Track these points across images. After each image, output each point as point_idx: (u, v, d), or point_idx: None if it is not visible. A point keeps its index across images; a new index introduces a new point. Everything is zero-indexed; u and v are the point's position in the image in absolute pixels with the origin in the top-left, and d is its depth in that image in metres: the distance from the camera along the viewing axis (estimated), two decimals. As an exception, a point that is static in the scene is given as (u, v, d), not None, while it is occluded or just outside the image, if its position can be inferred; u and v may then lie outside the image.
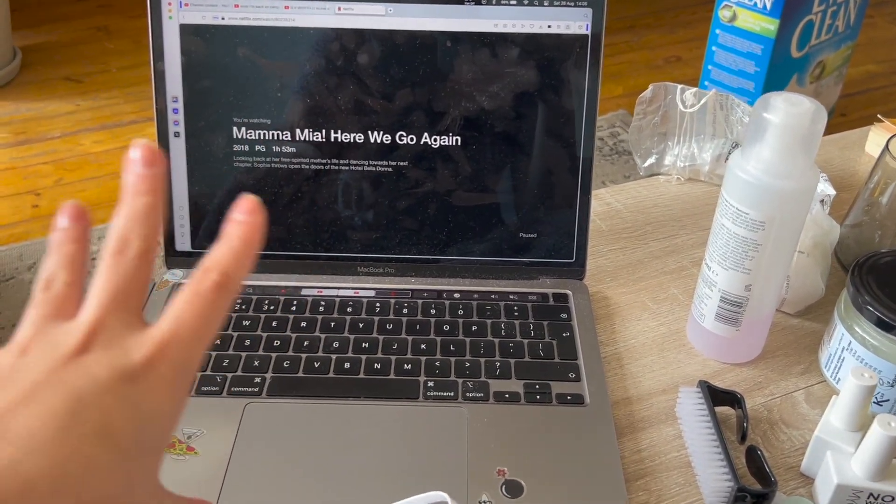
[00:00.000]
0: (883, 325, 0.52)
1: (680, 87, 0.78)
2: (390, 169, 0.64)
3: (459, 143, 0.64)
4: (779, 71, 1.73)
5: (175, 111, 0.64)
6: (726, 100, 0.77)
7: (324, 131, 0.63)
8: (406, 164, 0.64)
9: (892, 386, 0.53)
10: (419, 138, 0.63)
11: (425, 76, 0.62)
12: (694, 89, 0.77)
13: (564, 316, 0.63)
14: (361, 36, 0.62)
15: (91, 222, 0.32)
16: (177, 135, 0.64)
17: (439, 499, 0.46)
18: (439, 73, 0.62)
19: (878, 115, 0.87)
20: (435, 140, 0.64)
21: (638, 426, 0.56)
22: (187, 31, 0.62)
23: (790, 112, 0.50)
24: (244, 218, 0.31)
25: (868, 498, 0.47)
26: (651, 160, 0.82)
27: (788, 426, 0.56)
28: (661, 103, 0.79)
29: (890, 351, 0.52)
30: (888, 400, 0.54)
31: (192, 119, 0.64)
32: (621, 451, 0.53)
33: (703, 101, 0.76)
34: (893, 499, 0.47)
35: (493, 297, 0.64)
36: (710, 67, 1.81)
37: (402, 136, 0.63)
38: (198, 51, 0.62)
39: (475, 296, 0.64)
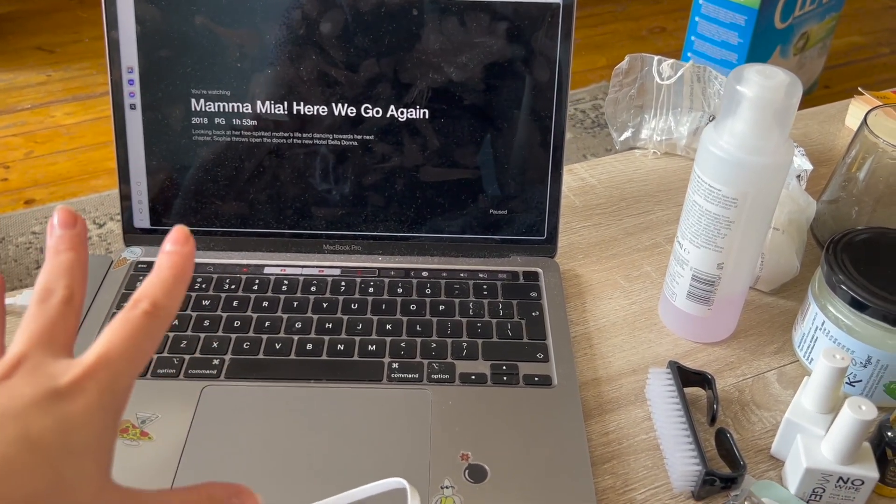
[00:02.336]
0: (856, 305, 0.51)
1: (657, 58, 0.76)
2: (356, 143, 0.62)
3: (427, 117, 0.61)
4: (762, 42, 1.71)
5: (130, 82, 0.61)
6: (703, 72, 0.75)
7: (286, 103, 0.61)
8: (372, 137, 0.62)
9: (865, 367, 0.52)
10: (385, 111, 0.61)
11: (391, 46, 0.60)
12: (671, 60, 0.75)
13: (534, 295, 0.61)
14: (325, 3, 0.59)
15: (85, 227, 0.34)
16: (133, 107, 0.61)
17: (397, 485, 0.44)
18: (406, 42, 0.60)
19: (859, 88, 0.85)
20: (402, 113, 0.61)
21: (606, 408, 0.54)
22: (141, -2, 0.59)
23: (764, 85, 0.48)
24: (174, 248, 0.32)
25: (837, 482, 0.46)
26: (627, 134, 0.80)
27: (760, 407, 0.55)
28: (637, 75, 0.77)
29: (863, 331, 0.51)
30: (861, 381, 0.53)
31: (149, 91, 0.61)
32: (589, 433, 0.52)
33: (679, 73, 0.75)
34: (863, 482, 0.46)
35: (462, 275, 0.63)
36: (693, 38, 1.79)
37: (367, 108, 0.61)
38: (153, 19, 0.59)
39: (443, 274, 0.63)
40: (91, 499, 0.28)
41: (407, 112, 0.61)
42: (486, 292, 0.61)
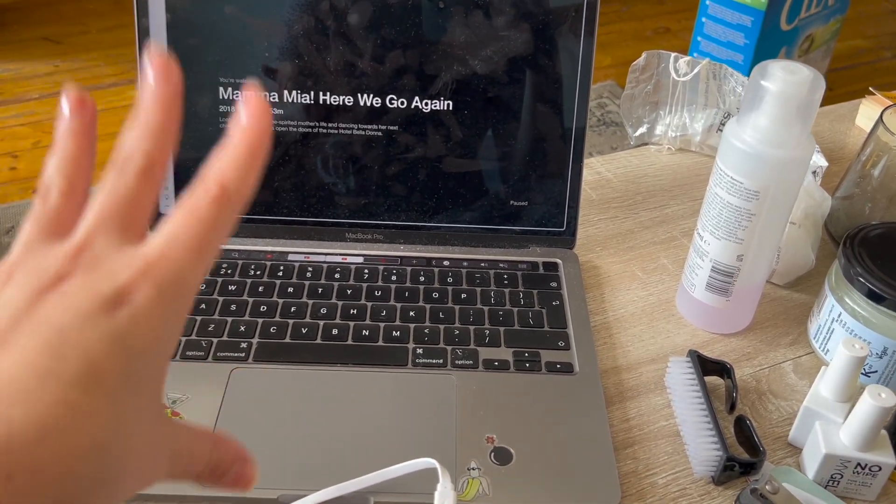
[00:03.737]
0: (874, 297, 0.52)
1: (674, 55, 0.77)
2: (380, 133, 0.63)
3: (451, 108, 0.62)
4: (768, 43, 1.73)
5: (159, 70, 0.62)
6: (719, 69, 0.76)
7: (312, 93, 0.62)
8: (396, 128, 0.63)
9: (881, 357, 0.53)
10: (410, 102, 0.62)
11: (417, 38, 0.61)
12: (687, 58, 0.76)
13: (554, 285, 0.62)
14: (352, -5, 0.60)
15: (96, 113, 0.29)
16: (161, 94, 0.62)
17: (428, 465, 0.45)
18: (431, 35, 0.61)
19: (871, 88, 0.86)
20: (426, 104, 0.62)
21: (627, 395, 0.55)
22: (172, -13, 0.60)
23: (788, 80, 0.49)
24: (249, 122, 0.28)
25: (855, 468, 0.47)
26: (642, 129, 0.81)
27: (776, 396, 0.56)
28: (653, 71, 0.78)
29: (880, 322, 0.52)
30: (876, 371, 0.54)
31: (177, 78, 0.62)
32: (610, 419, 0.53)
33: (696, 70, 0.76)
34: (881, 468, 0.47)
35: (482, 264, 0.64)
36: (699, 39, 1.80)
37: (392, 99, 0.62)
38: (183, 7, 0.60)
39: (465, 263, 0.64)
40: (142, 443, 0.26)
41: (431, 103, 0.62)
42: (506, 282, 0.62)
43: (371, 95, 0.62)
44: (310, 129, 0.63)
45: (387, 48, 0.61)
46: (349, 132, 0.63)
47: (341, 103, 0.62)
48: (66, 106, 0.28)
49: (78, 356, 0.24)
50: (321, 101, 0.62)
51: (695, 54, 1.81)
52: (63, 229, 0.27)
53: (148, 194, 0.27)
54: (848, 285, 0.54)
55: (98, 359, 0.24)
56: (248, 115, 0.28)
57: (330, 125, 0.63)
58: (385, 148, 0.63)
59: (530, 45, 0.61)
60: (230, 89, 0.62)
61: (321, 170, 0.64)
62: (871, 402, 0.45)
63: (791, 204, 0.54)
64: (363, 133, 0.63)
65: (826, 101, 1.05)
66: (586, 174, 0.78)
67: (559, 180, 0.64)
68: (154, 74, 0.28)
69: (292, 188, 0.64)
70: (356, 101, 0.62)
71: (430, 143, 0.63)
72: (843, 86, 2.09)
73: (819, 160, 0.69)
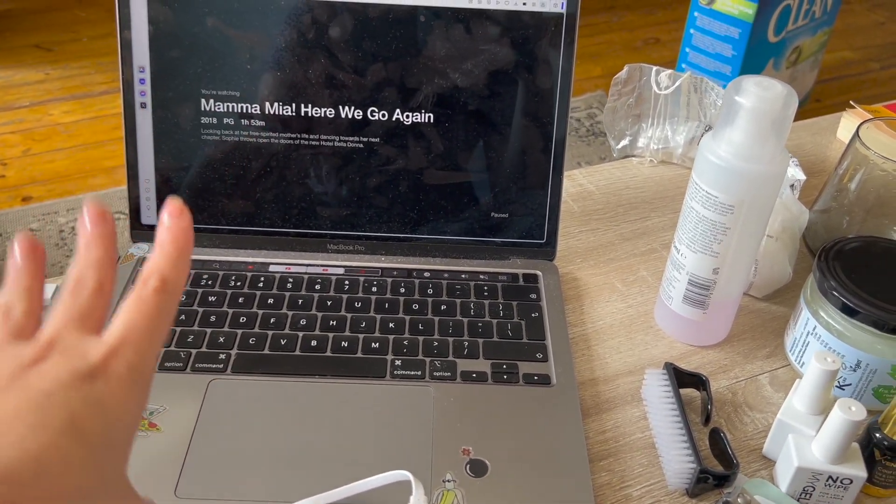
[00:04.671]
0: (847, 311, 0.53)
1: (655, 68, 0.78)
2: (361, 145, 0.63)
3: (432, 121, 0.63)
4: (756, 55, 1.74)
5: (142, 81, 0.62)
6: (700, 82, 0.76)
7: (294, 105, 0.62)
8: (377, 140, 0.63)
9: (855, 371, 0.54)
10: (391, 114, 0.63)
11: (399, 51, 0.61)
12: (669, 71, 0.77)
13: (534, 296, 0.63)
14: (334, 8, 0.60)
15: (44, 256, 0.34)
16: (143, 105, 0.62)
17: (402, 478, 0.45)
18: (413, 48, 0.61)
19: (851, 102, 0.87)
20: (407, 117, 0.63)
21: (603, 407, 0.56)
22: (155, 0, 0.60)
23: (762, 96, 0.50)
24: (171, 222, 0.33)
25: (827, 480, 0.48)
26: (625, 142, 0.82)
27: (752, 409, 0.56)
28: (635, 84, 0.79)
29: (854, 336, 0.53)
30: (850, 384, 0.55)
31: (160, 90, 0.62)
32: (586, 431, 0.54)
33: (677, 83, 0.76)
34: (852, 481, 0.47)
35: (463, 276, 0.64)
36: (687, 50, 1.81)
37: (373, 111, 0.63)
38: (166, 20, 0.61)
39: (445, 275, 0.64)
40: (119, 497, 0.29)
41: (412, 116, 0.63)
42: (486, 293, 0.62)
43: (353, 108, 0.62)
44: (291, 141, 0.63)
45: (368, 61, 0.62)
46: (331, 144, 0.63)
47: (323, 115, 0.63)
48: (17, 252, 0.33)
49: (63, 413, 0.27)
50: (303, 113, 0.62)
51: (683, 65, 1.82)
52: (26, 335, 0.31)
53: (101, 306, 0.32)
54: (822, 299, 0.54)
55: (80, 416, 0.28)
56: (171, 219, 0.33)
57: (311, 137, 0.63)
58: (366, 160, 0.64)
59: (510, 59, 0.62)
60: (212, 101, 0.62)
61: (302, 181, 0.64)
62: (841, 415, 0.45)
63: (766, 218, 0.54)
64: (345, 145, 0.63)
65: (813, 112, 1.05)
66: (569, 186, 0.78)
67: (540, 192, 0.65)
68: (91, 220, 0.33)
69: (274, 199, 0.64)
70: (338, 114, 0.63)
71: (411, 155, 0.64)
72: (830, 97, 2.11)
73: (797, 173, 0.69)
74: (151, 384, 0.31)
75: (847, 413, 0.45)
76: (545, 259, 0.66)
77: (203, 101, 0.62)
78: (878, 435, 0.48)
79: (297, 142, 0.63)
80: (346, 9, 0.60)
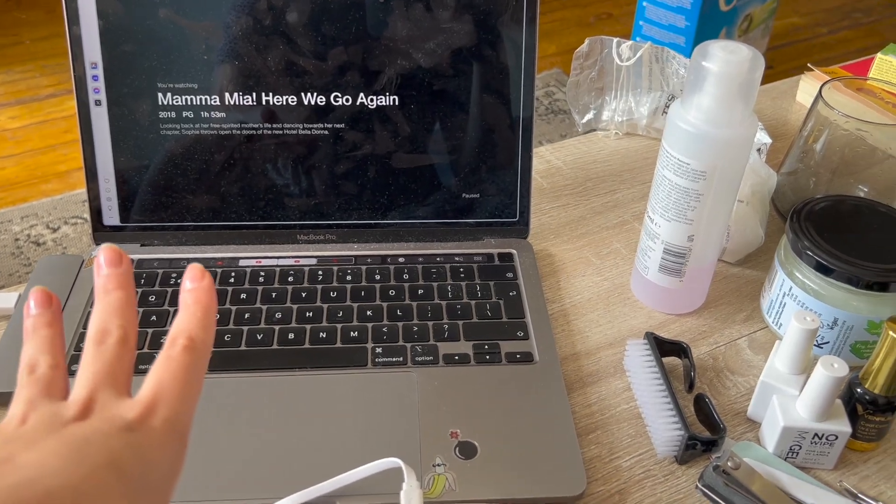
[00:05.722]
0: (822, 269, 0.53)
1: (616, 40, 0.77)
2: (326, 131, 0.62)
3: (397, 103, 0.62)
4: (708, 25, 1.75)
5: (95, 78, 0.60)
6: (661, 52, 0.76)
7: (254, 94, 0.61)
8: (342, 126, 0.62)
9: (832, 328, 0.54)
10: (355, 99, 0.61)
11: (359, 34, 0.60)
12: (630, 42, 0.77)
13: (510, 275, 0.62)
14: (289, -7, 0.59)
15: (59, 305, 0.34)
16: (98, 103, 0.60)
17: (392, 465, 0.45)
18: (374, 30, 0.60)
19: (809, 65, 0.88)
20: (371, 100, 0.62)
21: (587, 381, 0.56)
22: (102, -8, 0.58)
23: (728, 60, 0.50)
24: (194, 285, 0.34)
25: (813, 438, 0.48)
26: (589, 116, 0.82)
27: (733, 373, 0.56)
28: (597, 58, 0.79)
29: (829, 294, 0.53)
30: (828, 342, 0.55)
31: (114, 86, 0.60)
32: (572, 406, 0.54)
33: (638, 54, 0.76)
34: (837, 437, 0.48)
35: (438, 259, 0.63)
36: (641, 23, 1.82)
37: (336, 96, 0.61)
38: (116, 13, 0.59)
39: (420, 259, 0.63)
40: None
41: (377, 99, 0.62)
42: (462, 275, 0.62)
43: (315, 94, 0.61)
44: (254, 132, 0.62)
45: (328, 45, 0.60)
46: (295, 132, 0.62)
47: (285, 103, 0.61)
48: (33, 304, 0.33)
49: (103, 452, 0.28)
50: (264, 102, 0.61)
51: (637, 38, 1.83)
52: (58, 392, 0.31)
53: (129, 358, 0.32)
54: (797, 259, 0.55)
55: (120, 455, 0.28)
56: (192, 279, 0.34)
57: (274, 126, 0.62)
58: (333, 146, 0.63)
59: (473, 37, 0.61)
60: (169, 94, 0.60)
61: (268, 172, 0.63)
62: (824, 372, 0.46)
63: (738, 182, 0.55)
64: (309, 132, 0.62)
65: (768, 79, 1.06)
66: (536, 163, 0.78)
67: (510, 170, 0.64)
68: (107, 261, 0.34)
69: (240, 192, 0.63)
70: (300, 101, 0.61)
71: (378, 139, 0.63)
72: (783, 63, 2.13)
73: (763, 137, 0.70)
74: (188, 440, 0.32)
75: (830, 370, 0.46)
76: (519, 237, 0.66)
77: (160, 94, 0.60)
78: (859, 390, 0.49)
79: (260, 132, 0.62)
80: (303, -7, 0.59)
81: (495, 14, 0.60)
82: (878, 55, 0.85)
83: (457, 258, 0.63)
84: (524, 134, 0.64)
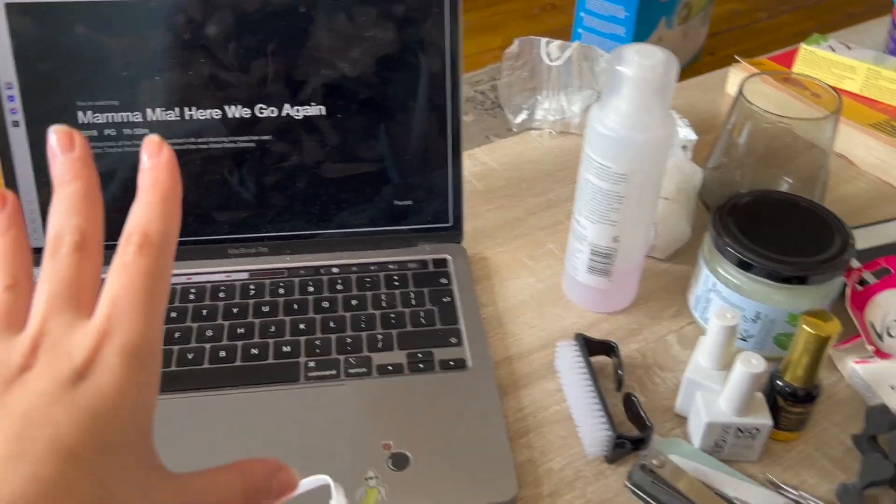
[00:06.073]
0: (743, 266, 0.54)
1: (544, 40, 0.78)
2: (253, 144, 0.62)
3: (323, 113, 0.61)
4: (647, 15, 1.76)
5: (11, 98, 0.59)
6: (590, 51, 0.77)
7: (177, 109, 0.60)
8: (269, 137, 0.62)
9: (755, 322, 0.56)
10: (280, 110, 0.61)
11: (280, 45, 0.60)
12: (559, 42, 0.78)
13: (444, 281, 0.62)
14: (208, 5, 0.58)
15: (17, 205, 0.30)
16: (15, 124, 0.59)
17: (321, 482, 0.45)
18: (295, 40, 0.60)
19: (736, 56, 0.90)
20: (297, 111, 0.61)
21: (520, 384, 0.56)
22: (14, 11, 0.57)
23: (643, 64, 0.50)
24: (150, 162, 0.30)
25: (736, 432, 0.49)
26: (523, 116, 0.82)
27: (662, 369, 0.57)
28: (527, 58, 0.79)
29: (751, 289, 0.55)
30: (753, 336, 0.57)
31: (32, 106, 0.59)
32: (505, 410, 0.54)
33: (567, 54, 0.77)
34: (759, 430, 0.49)
35: (372, 268, 0.63)
36: (582, 14, 1.82)
37: (261, 108, 0.61)
38: (29, 31, 0.57)
39: (354, 268, 0.63)
40: (141, 498, 0.26)
41: (302, 110, 0.61)
42: (397, 283, 0.62)
43: (239, 106, 0.61)
44: (179, 146, 0.61)
45: (251, 57, 0.60)
46: (220, 146, 0.61)
47: (209, 117, 0.60)
48: None
49: (44, 436, 0.24)
50: (187, 117, 0.60)
51: (580, 30, 1.84)
52: (17, 319, 0.27)
53: (88, 268, 0.28)
54: (719, 256, 0.56)
55: (65, 434, 0.25)
56: (151, 159, 0.30)
57: (199, 140, 0.61)
58: (260, 159, 0.62)
59: (397, 45, 0.61)
60: (90, 112, 0.59)
61: (195, 187, 0.62)
62: (743, 369, 0.47)
63: (659, 182, 0.55)
64: (235, 145, 0.61)
65: (708, 66, 1.07)
66: (471, 166, 0.78)
67: (441, 176, 0.64)
68: (57, 146, 0.29)
69: (168, 209, 0.62)
70: (224, 114, 0.61)
71: (306, 149, 0.62)
72: (723, 49, 2.16)
73: (688, 134, 0.71)
74: (160, 356, 0.28)
75: (748, 366, 0.47)
76: (453, 242, 0.66)
77: (80, 113, 0.59)
78: (779, 382, 0.50)
79: (185, 147, 0.61)
80: (222, 5, 0.58)
81: (418, 21, 0.60)
82: (802, 45, 0.87)
83: (391, 266, 0.64)
84: (454, 139, 0.64)
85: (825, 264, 0.53)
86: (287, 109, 0.61)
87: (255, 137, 0.62)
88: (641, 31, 1.79)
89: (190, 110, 0.60)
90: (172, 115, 0.60)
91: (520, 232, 0.70)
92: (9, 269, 0.28)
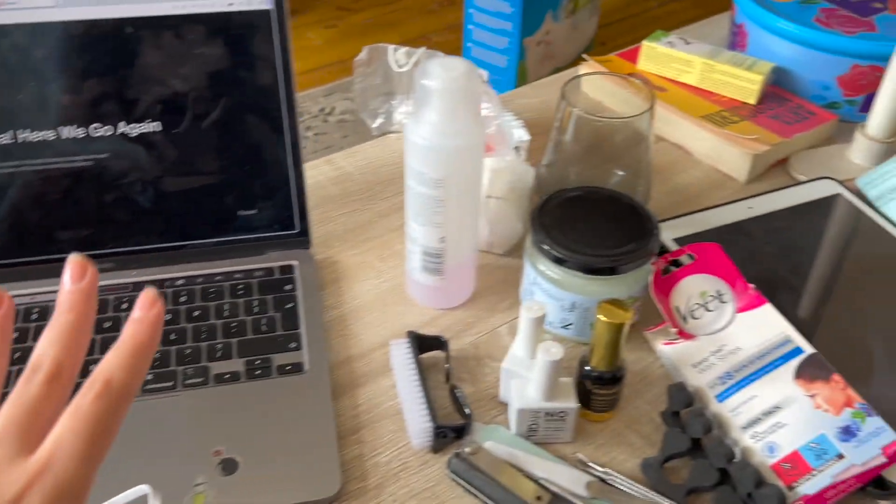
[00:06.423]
0: (557, 261, 0.58)
1: (392, 47, 0.80)
2: (91, 163, 0.63)
3: (160, 129, 0.63)
4: (533, 9, 1.82)
5: None
6: (436, 56, 0.80)
7: (10, 133, 0.60)
8: (107, 156, 0.63)
9: (572, 311, 0.60)
10: (115, 129, 0.62)
11: (111, 65, 0.60)
12: (405, 49, 0.80)
13: (289, 287, 0.65)
14: (34, 31, 0.59)
15: (12, 312, 0.32)
16: None
17: (141, 493, 0.47)
18: (125, 60, 0.61)
19: (583, 56, 0.94)
20: (133, 128, 0.62)
21: (358, 382, 0.59)
22: None
23: (446, 77, 0.53)
24: (140, 314, 0.31)
25: (545, 416, 0.53)
26: (380, 120, 0.85)
27: (493, 359, 0.61)
28: (377, 65, 0.82)
29: (566, 281, 0.58)
30: (572, 323, 0.60)
31: None
32: (341, 409, 0.57)
33: (413, 59, 0.80)
34: (566, 413, 0.53)
35: (217, 278, 0.65)
36: (471, 11, 1.86)
37: (96, 128, 0.62)
38: None
39: (199, 280, 0.65)
40: None
41: (138, 127, 0.62)
42: (241, 292, 0.64)
43: (74, 127, 0.61)
44: (14, 169, 0.61)
45: (81, 78, 0.60)
46: (57, 166, 0.62)
47: (44, 139, 0.61)
48: None
49: None
50: (21, 140, 0.61)
51: (470, 26, 1.88)
52: None
53: (53, 401, 0.29)
54: (537, 252, 0.60)
55: None
56: (141, 310, 0.31)
57: (36, 162, 0.62)
58: (99, 177, 0.63)
59: (227, 59, 0.62)
60: (-82, 139, 0.59)
61: (34, 208, 0.62)
62: (542, 357, 0.51)
63: (477, 184, 0.59)
64: (72, 165, 0.62)
65: (599, 54, 1.11)
66: (328, 171, 0.80)
67: (283, 184, 0.66)
68: (69, 274, 0.31)
69: (7, 230, 0.63)
70: (59, 135, 0.61)
71: (144, 165, 0.63)
72: (614, 39, 2.24)
73: (522, 135, 0.75)
74: (86, 500, 0.29)
75: (547, 354, 0.50)
76: (302, 248, 0.68)
77: None
78: (587, 367, 0.54)
79: (21, 168, 0.61)
80: (47, 30, 0.59)
81: (246, 36, 0.62)
82: (644, 42, 0.92)
83: (237, 275, 0.65)
84: (293, 148, 0.66)
85: (631, 255, 0.57)
86: (122, 127, 0.62)
87: (93, 156, 0.62)
88: (528, 26, 1.85)
89: (23, 133, 0.61)
90: (5, 139, 0.60)
91: (371, 234, 0.73)
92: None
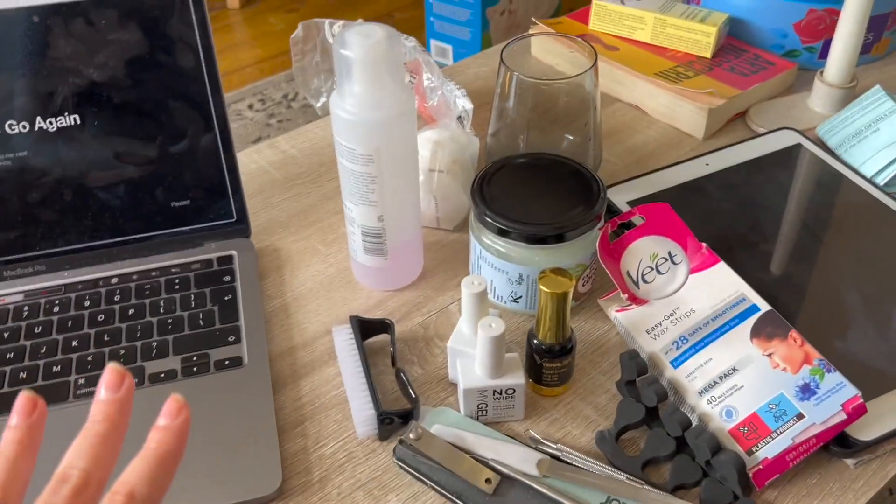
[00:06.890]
0: (501, 233, 0.55)
1: (328, 21, 0.77)
2: (9, 162, 0.60)
3: (79, 122, 0.60)
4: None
5: None
6: (374, 28, 0.77)
7: (-81, 135, 0.57)
8: (26, 153, 0.60)
9: (521, 283, 0.57)
10: (33, 124, 0.59)
11: (20, 58, 0.57)
12: (341, 21, 0.77)
13: (227, 279, 0.62)
14: (-67, 24, 0.56)
15: (44, 414, 0.31)
16: None
17: None
18: (35, 52, 0.57)
19: (533, 18, 0.91)
20: (51, 123, 0.59)
21: (301, 373, 0.57)
22: None
23: (366, 44, 0.50)
24: (165, 423, 0.31)
25: (493, 395, 0.51)
26: (324, 99, 0.82)
27: (442, 339, 0.59)
28: (315, 41, 0.78)
29: (513, 254, 0.56)
30: (522, 296, 0.58)
31: None
32: (283, 401, 0.54)
33: (351, 34, 0.76)
34: (514, 389, 0.51)
35: (153, 274, 0.62)
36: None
37: (12, 125, 0.59)
38: None
39: (134, 277, 0.62)
40: None
41: (56, 121, 0.59)
42: (178, 286, 0.61)
43: (-12, 125, 0.58)
44: (-72, 174, 0.58)
45: (-10, 73, 0.57)
46: (-26, 168, 0.59)
47: (-44, 140, 0.58)
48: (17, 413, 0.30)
49: None
50: (-69, 142, 0.58)
51: (432, 0, 1.84)
52: None
53: None
54: (481, 226, 0.57)
55: None
56: (167, 418, 0.31)
57: (-50, 165, 0.59)
58: (20, 176, 0.60)
59: (144, 45, 0.59)
60: None
61: (-47, 213, 0.60)
62: (482, 333, 0.48)
63: (412, 157, 0.56)
64: (-9, 166, 0.59)
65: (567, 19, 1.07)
66: (271, 155, 0.77)
67: (215, 172, 0.63)
68: (106, 383, 0.31)
69: (-73, 239, 0.60)
70: (-28, 135, 0.58)
71: (67, 161, 0.60)
72: (581, 4, 2.19)
73: (465, 104, 0.72)
74: None
75: (487, 331, 0.48)
76: (242, 237, 0.66)
77: None
78: (535, 341, 0.52)
79: (-65, 173, 0.58)
80: (-54, 22, 0.55)
81: (162, 19, 0.59)
82: (594, 1, 0.89)
83: (173, 270, 0.63)
84: (222, 134, 0.63)
85: (575, 221, 0.55)
86: (40, 123, 0.59)
87: (11, 155, 0.59)
88: (488, 4, 1.81)
89: (-68, 135, 0.58)
90: (-87, 142, 0.57)
91: (315, 218, 0.70)
92: (4, 483, 0.29)
